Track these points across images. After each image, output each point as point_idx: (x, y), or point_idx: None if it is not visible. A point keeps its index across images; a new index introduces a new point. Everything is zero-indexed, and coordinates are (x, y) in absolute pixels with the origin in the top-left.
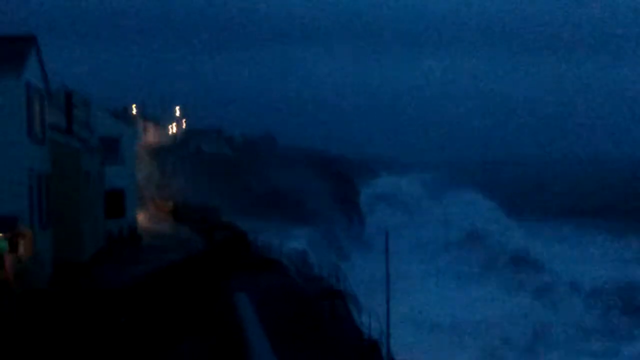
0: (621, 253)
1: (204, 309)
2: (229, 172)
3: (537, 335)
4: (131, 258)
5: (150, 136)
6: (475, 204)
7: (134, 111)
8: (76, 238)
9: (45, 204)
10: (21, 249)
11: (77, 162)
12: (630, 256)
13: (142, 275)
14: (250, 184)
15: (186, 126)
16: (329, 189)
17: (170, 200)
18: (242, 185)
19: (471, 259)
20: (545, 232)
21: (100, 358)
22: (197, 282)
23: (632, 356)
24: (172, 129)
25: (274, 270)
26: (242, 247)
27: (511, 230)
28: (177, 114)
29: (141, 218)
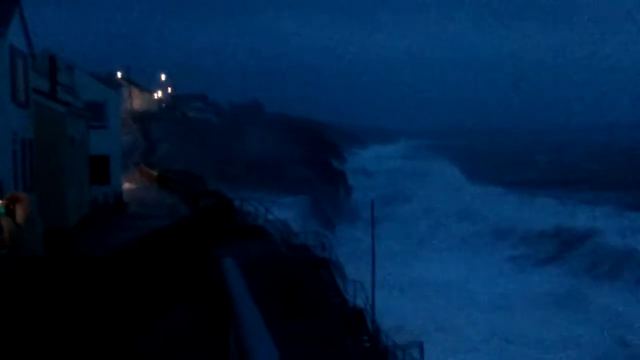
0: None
1: (191, 276)
2: (215, 139)
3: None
4: (116, 225)
5: (136, 102)
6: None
7: (120, 76)
8: (60, 204)
9: (29, 169)
10: (18, 214)
11: (61, 126)
12: (564, 210)
13: (127, 242)
14: (236, 152)
15: (172, 92)
16: (316, 157)
17: (156, 166)
18: (228, 153)
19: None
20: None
21: (86, 324)
22: (182, 249)
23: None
24: (158, 95)
25: (259, 238)
26: (228, 214)
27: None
28: (163, 80)
29: (126, 185)
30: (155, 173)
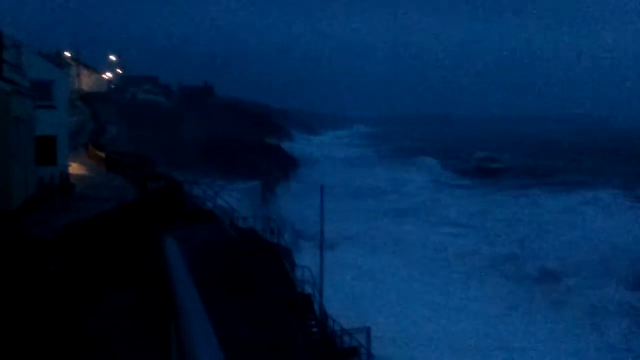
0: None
1: (137, 259)
2: (165, 121)
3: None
4: (62, 206)
5: (85, 82)
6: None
7: (68, 56)
8: (4, 185)
9: None
10: None
11: (6, 105)
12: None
13: (73, 223)
14: (186, 134)
15: (122, 73)
16: (266, 142)
17: (104, 148)
18: (177, 135)
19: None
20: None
21: (27, 307)
22: (129, 232)
23: None
24: (108, 75)
25: (208, 222)
26: (177, 197)
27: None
28: (113, 60)
29: (73, 166)
30: (103, 154)
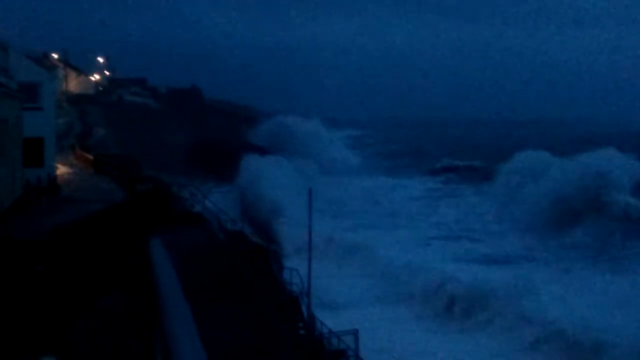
0: None
1: (124, 262)
2: (153, 123)
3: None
4: (49, 208)
5: (72, 84)
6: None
7: (56, 58)
8: None
9: None
10: None
11: None
12: None
13: (60, 226)
14: (174, 137)
15: (110, 75)
16: (257, 143)
17: (91, 150)
18: (165, 138)
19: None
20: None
21: (14, 307)
22: (116, 234)
23: None
24: (95, 78)
25: (196, 225)
26: (164, 200)
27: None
28: (101, 62)
29: (61, 168)
30: (90, 156)
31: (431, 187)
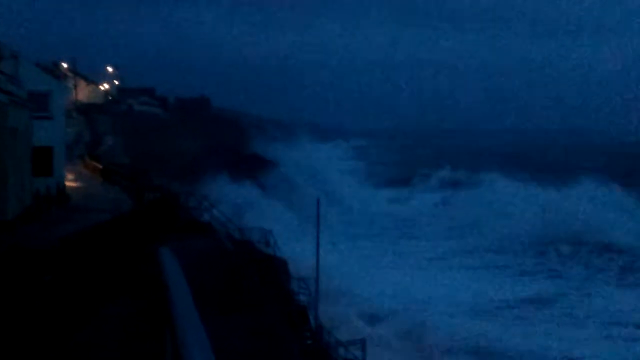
0: None
1: (132, 270)
2: (161, 132)
3: None
4: (58, 217)
5: (82, 94)
6: None
7: (65, 67)
8: (1, 196)
9: None
10: None
11: (3, 116)
12: None
13: (69, 235)
14: (182, 146)
15: (119, 85)
16: (264, 153)
17: (101, 159)
18: (173, 147)
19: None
20: None
21: (24, 316)
22: (125, 243)
23: None
24: (104, 87)
25: (204, 234)
26: (173, 209)
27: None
28: (110, 72)
29: (70, 177)
30: (99, 166)
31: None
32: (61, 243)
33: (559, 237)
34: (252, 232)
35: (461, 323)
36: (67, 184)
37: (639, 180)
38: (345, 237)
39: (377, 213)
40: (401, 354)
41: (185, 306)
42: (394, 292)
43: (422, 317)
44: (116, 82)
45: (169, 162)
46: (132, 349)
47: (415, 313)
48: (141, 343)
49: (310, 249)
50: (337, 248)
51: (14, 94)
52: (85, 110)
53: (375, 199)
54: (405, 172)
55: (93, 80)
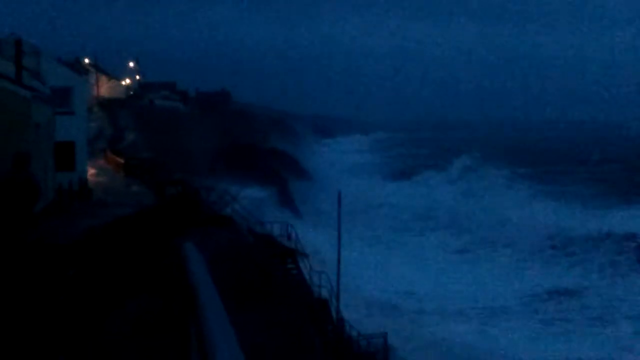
0: None
1: (154, 264)
2: (182, 127)
3: None
4: (81, 212)
5: (103, 89)
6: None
7: (87, 62)
8: None
9: None
10: None
11: (26, 112)
12: None
13: (92, 229)
14: (203, 140)
15: (140, 80)
16: (284, 147)
17: (122, 154)
18: (195, 141)
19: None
20: None
21: (48, 311)
22: (148, 237)
23: None
24: (126, 82)
25: (225, 228)
26: (194, 203)
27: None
28: (132, 67)
29: (92, 171)
30: (121, 160)
31: None
32: (84, 238)
33: (580, 229)
34: (273, 226)
35: (485, 320)
36: (90, 178)
37: None
38: (365, 230)
39: (396, 205)
40: (423, 349)
41: (212, 301)
42: (413, 285)
43: (444, 311)
44: (137, 77)
45: (190, 156)
46: (157, 342)
47: (434, 307)
48: (166, 337)
49: (331, 241)
50: (357, 242)
51: (36, 90)
52: (107, 105)
53: (393, 191)
54: (425, 163)
55: (114, 75)
